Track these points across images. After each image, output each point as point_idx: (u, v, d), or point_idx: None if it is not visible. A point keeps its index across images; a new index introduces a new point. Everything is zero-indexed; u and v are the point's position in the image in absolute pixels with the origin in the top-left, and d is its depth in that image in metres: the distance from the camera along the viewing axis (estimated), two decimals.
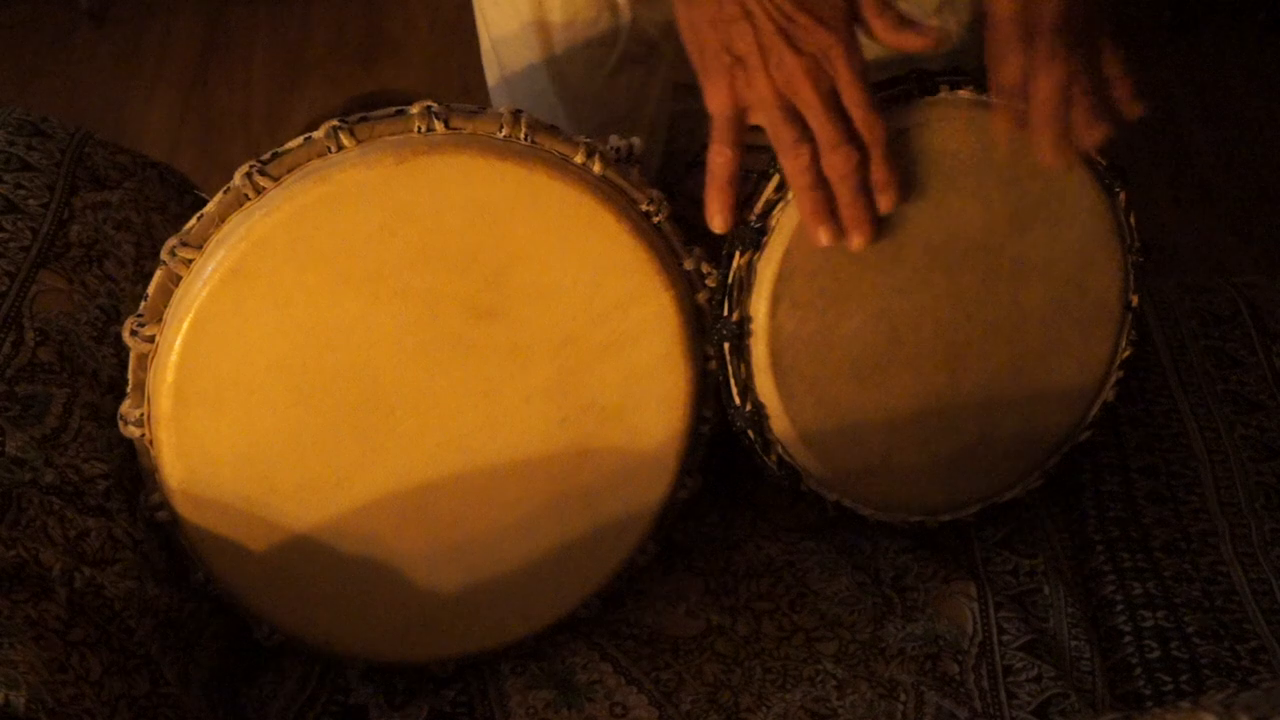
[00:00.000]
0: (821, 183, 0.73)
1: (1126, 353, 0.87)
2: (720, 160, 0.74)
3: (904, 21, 0.74)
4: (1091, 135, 0.76)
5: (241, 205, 0.71)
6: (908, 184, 0.77)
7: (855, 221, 0.74)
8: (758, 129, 0.75)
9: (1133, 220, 0.85)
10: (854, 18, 0.73)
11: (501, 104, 0.76)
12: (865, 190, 0.74)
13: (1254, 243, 1.83)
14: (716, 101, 0.73)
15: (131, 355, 0.72)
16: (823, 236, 0.74)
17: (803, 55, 0.71)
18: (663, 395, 0.78)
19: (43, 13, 2.32)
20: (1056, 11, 0.73)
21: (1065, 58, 0.74)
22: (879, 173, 0.74)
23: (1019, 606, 0.86)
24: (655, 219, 0.76)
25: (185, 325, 0.70)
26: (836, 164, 0.72)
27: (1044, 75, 0.74)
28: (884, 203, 0.75)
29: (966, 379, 0.83)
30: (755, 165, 0.79)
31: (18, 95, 2.09)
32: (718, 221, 0.75)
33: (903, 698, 0.80)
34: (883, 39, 0.74)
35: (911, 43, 0.74)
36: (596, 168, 0.73)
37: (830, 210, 0.74)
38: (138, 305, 0.73)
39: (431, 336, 0.73)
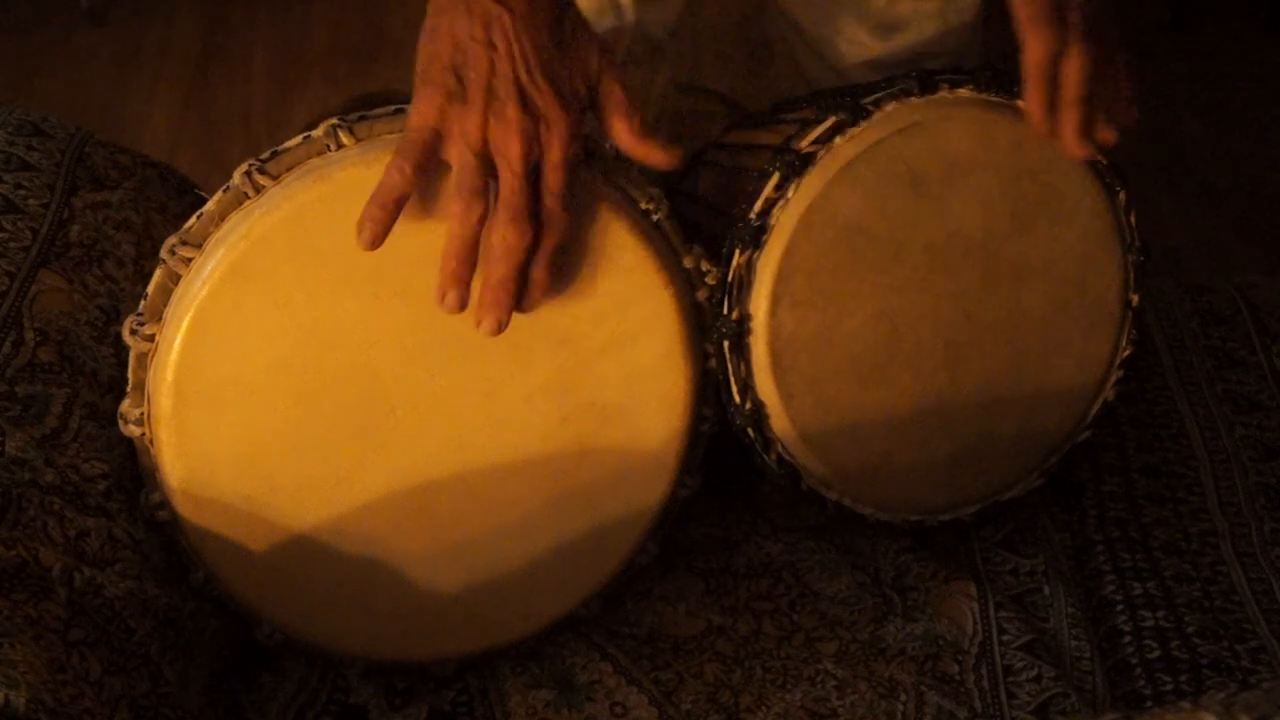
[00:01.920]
0: (474, 248, 0.68)
1: (1127, 352, 0.87)
2: (395, 175, 0.67)
3: (646, 134, 0.71)
4: (1110, 127, 0.75)
5: (241, 204, 0.71)
6: (912, 182, 0.76)
7: (493, 304, 0.69)
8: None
9: (1133, 220, 0.85)
10: (593, 108, 0.70)
11: None
12: (517, 280, 0.69)
13: (1254, 243, 1.84)
14: (420, 117, 0.67)
15: (131, 354, 0.72)
16: (449, 301, 0.68)
17: (526, 114, 0.67)
18: (663, 394, 0.78)
19: (43, 13, 2.32)
20: None
21: (1095, 40, 0.73)
22: (539, 270, 0.69)
23: (1019, 606, 0.86)
24: (655, 217, 0.75)
25: (185, 324, 0.70)
26: (507, 237, 0.67)
27: (1076, 54, 0.73)
28: (527, 303, 0.70)
29: (966, 379, 0.83)
30: (755, 164, 0.80)
31: (18, 95, 2.09)
32: (369, 237, 0.67)
33: (903, 698, 0.80)
34: (620, 143, 0.71)
35: (652, 156, 0.71)
36: (596, 167, 0.73)
37: (467, 279, 0.68)
38: (138, 305, 0.73)
39: (431, 336, 0.73)
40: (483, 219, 0.68)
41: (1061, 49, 0.74)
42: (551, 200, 0.68)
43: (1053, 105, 0.75)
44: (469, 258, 0.68)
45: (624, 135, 0.71)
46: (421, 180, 0.68)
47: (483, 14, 0.67)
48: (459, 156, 0.67)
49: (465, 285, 0.69)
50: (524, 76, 0.67)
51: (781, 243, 0.76)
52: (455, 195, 0.68)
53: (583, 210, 0.71)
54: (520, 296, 0.70)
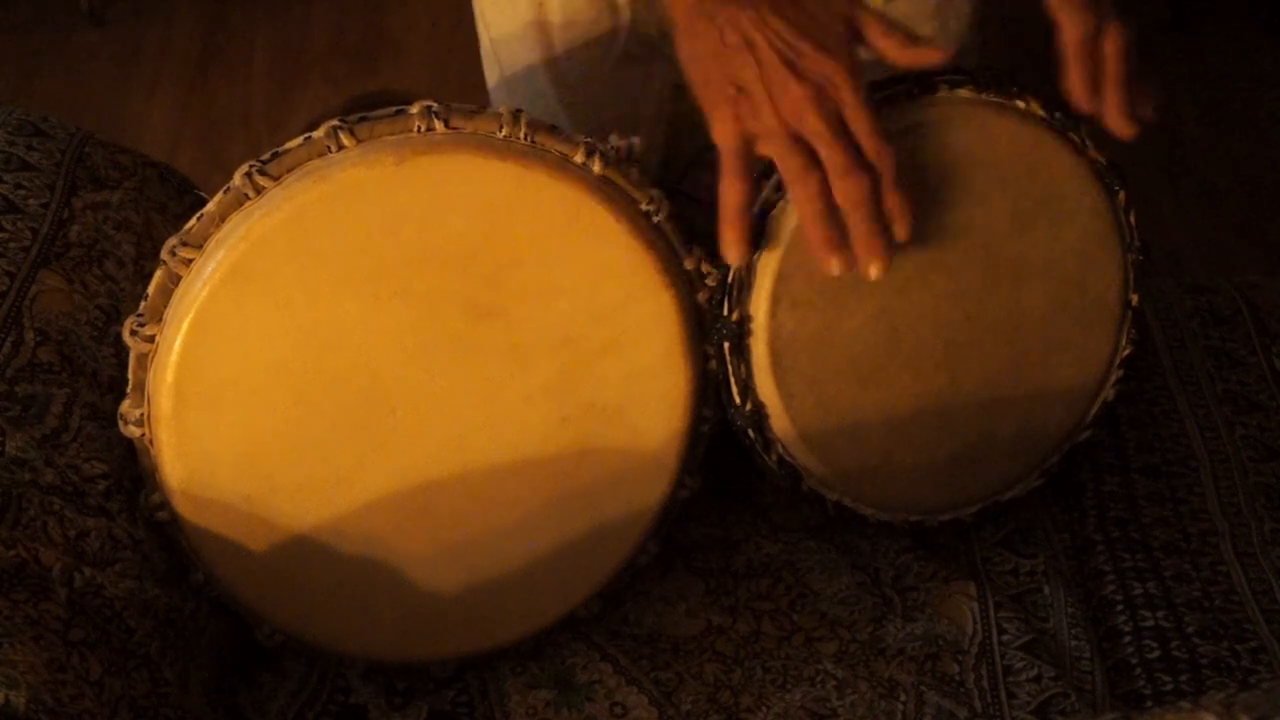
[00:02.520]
0: (832, 212, 0.72)
1: (1127, 351, 0.88)
2: (731, 193, 0.73)
3: (912, 39, 0.73)
4: (1150, 102, 0.76)
5: (241, 205, 0.71)
6: (912, 182, 0.77)
7: (870, 250, 0.72)
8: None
9: (1132, 219, 0.85)
10: (857, 40, 0.72)
11: (501, 104, 0.75)
12: (878, 218, 0.72)
13: (1254, 243, 1.84)
14: (723, 134, 0.72)
15: (131, 355, 0.72)
16: (835, 266, 0.72)
17: (806, 83, 0.70)
18: (663, 395, 0.78)
19: (43, 13, 2.32)
20: None
21: (1123, 19, 0.74)
22: (891, 199, 0.72)
23: (1019, 606, 0.86)
24: (655, 218, 0.76)
25: (185, 325, 0.70)
26: (848, 190, 0.71)
27: (1113, 32, 0.74)
28: (899, 230, 0.73)
29: (966, 379, 0.83)
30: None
31: (18, 95, 2.09)
32: (733, 254, 0.74)
33: (903, 698, 0.80)
34: (893, 59, 0.73)
35: (924, 58, 0.74)
36: (596, 167, 0.73)
37: (841, 240, 0.73)
38: (138, 305, 0.73)
39: (431, 336, 0.73)
40: (822, 189, 0.71)
41: (1098, 28, 0.74)
42: (867, 140, 0.71)
43: (1095, 85, 0.75)
44: (832, 225, 0.72)
45: (894, 52, 0.73)
46: (753, 185, 0.73)
47: (728, 20, 0.71)
48: (772, 149, 0.71)
49: (840, 247, 0.72)
50: (787, 53, 0.70)
51: (782, 244, 0.76)
52: (789, 182, 0.72)
53: None
54: (887, 232, 0.73)
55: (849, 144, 0.71)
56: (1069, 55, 0.76)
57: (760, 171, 0.78)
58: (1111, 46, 0.75)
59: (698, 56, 0.73)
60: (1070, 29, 0.75)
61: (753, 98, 0.71)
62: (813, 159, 0.71)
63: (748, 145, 0.72)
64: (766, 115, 0.71)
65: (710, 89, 0.72)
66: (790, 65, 0.70)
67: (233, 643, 0.79)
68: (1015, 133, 0.79)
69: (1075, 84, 0.76)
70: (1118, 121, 0.76)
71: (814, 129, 0.70)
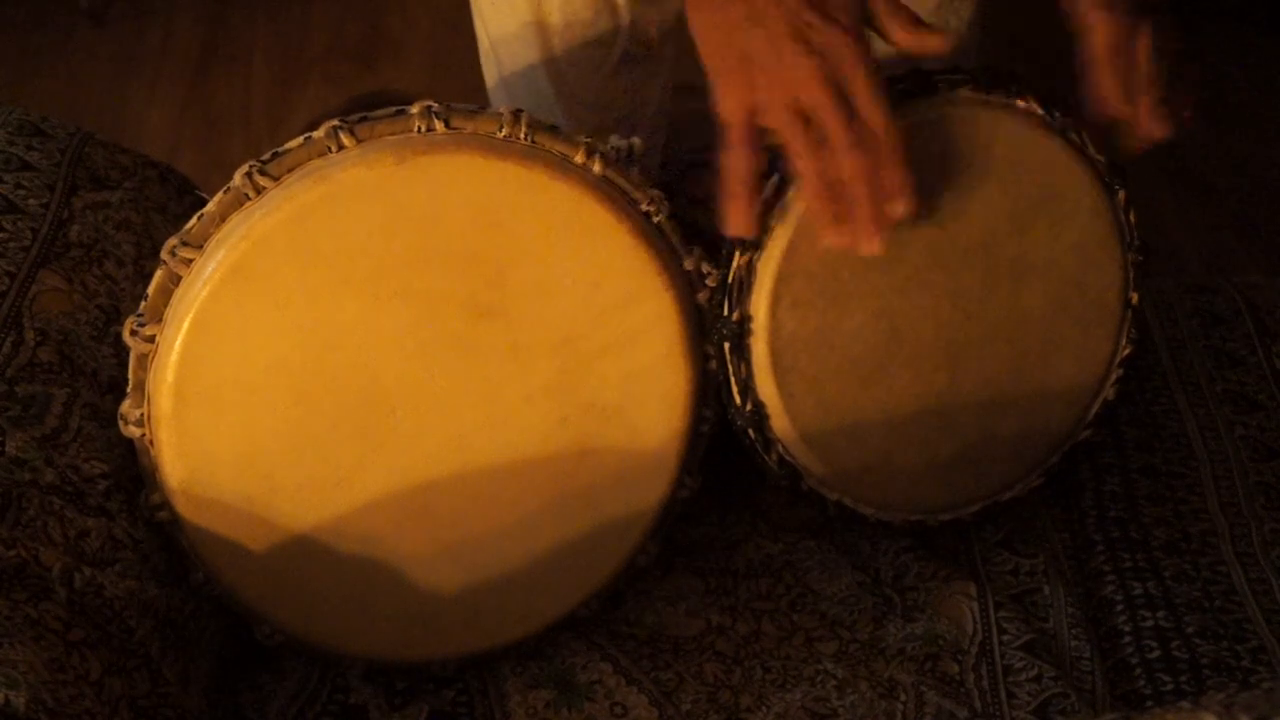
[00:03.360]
0: (835, 185, 0.72)
1: (1127, 351, 0.88)
2: (736, 163, 0.72)
3: (919, 22, 0.73)
4: (1186, 104, 0.76)
5: (241, 205, 0.71)
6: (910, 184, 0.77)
7: (867, 227, 0.72)
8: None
9: (1132, 219, 0.85)
10: (865, 18, 0.72)
11: (501, 104, 0.76)
12: (879, 194, 0.71)
13: (1254, 243, 1.83)
14: (729, 104, 0.71)
15: (131, 355, 0.72)
16: (836, 240, 0.72)
17: (814, 55, 0.69)
18: (663, 395, 0.78)
19: (43, 13, 2.32)
20: None
21: (1155, 20, 0.74)
22: (891, 177, 0.71)
23: (1019, 606, 0.86)
24: (655, 219, 0.76)
25: (185, 325, 0.70)
26: (849, 166, 0.70)
27: (1145, 34, 0.74)
28: (897, 208, 0.72)
29: (966, 378, 0.83)
30: None
31: (18, 95, 2.09)
32: (736, 224, 0.73)
33: (903, 698, 0.80)
34: (898, 41, 0.73)
35: (928, 44, 0.73)
36: (596, 168, 0.73)
37: (842, 214, 0.72)
38: (138, 305, 0.73)
39: (431, 336, 0.73)
40: (825, 162, 0.70)
41: (1133, 27, 0.74)
42: (873, 115, 0.70)
43: (1129, 89, 0.75)
44: (833, 199, 0.71)
45: (899, 33, 0.72)
46: (759, 157, 0.72)
47: None
48: (777, 120, 0.70)
49: (841, 223, 0.72)
50: (795, 23, 0.69)
51: (781, 244, 0.76)
52: (793, 156, 0.71)
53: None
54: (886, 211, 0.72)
55: (853, 119, 0.70)
56: (1100, 58, 0.75)
57: (760, 171, 0.78)
58: (1144, 46, 0.74)
59: (707, 26, 0.72)
60: (1103, 31, 0.74)
61: (759, 68, 0.70)
62: (817, 133, 0.71)
63: (753, 116, 0.71)
64: (773, 86, 0.70)
65: (718, 59, 0.72)
66: (798, 36, 0.69)
67: (233, 643, 0.79)
68: (1015, 132, 0.79)
69: (1107, 88, 0.75)
70: (1155, 124, 0.75)
71: (819, 100, 0.70)
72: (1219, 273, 1.69)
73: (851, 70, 0.70)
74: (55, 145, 0.90)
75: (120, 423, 0.74)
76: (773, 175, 0.77)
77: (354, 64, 2.19)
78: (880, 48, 1.04)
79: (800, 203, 0.76)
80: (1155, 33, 0.74)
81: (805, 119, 0.70)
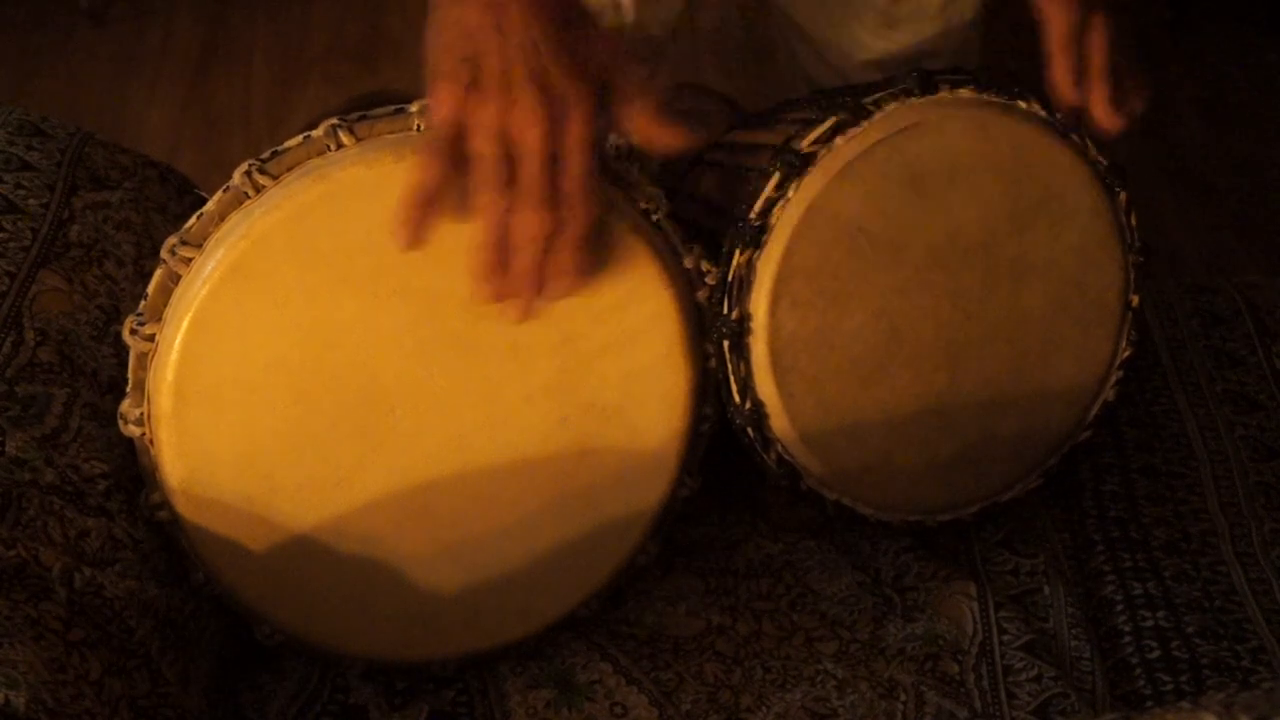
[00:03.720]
0: (506, 238, 0.67)
1: (1127, 352, 0.88)
2: (429, 174, 0.66)
3: (661, 117, 0.68)
4: (1138, 97, 0.75)
5: (241, 204, 0.71)
6: (913, 182, 0.77)
7: (521, 291, 0.68)
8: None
9: (1133, 220, 0.85)
10: (606, 93, 0.68)
11: None
12: (539, 266, 0.68)
13: (1254, 243, 1.83)
14: (441, 113, 0.66)
15: (131, 354, 0.72)
16: (487, 293, 0.68)
17: (542, 101, 0.65)
18: (663, 394, 0.78)
19: (43, 13, 2.32)
20: None
21: (1112, 13, 0.74)
22: (562, 257, 0.68)
23: (1019, 606, 0.86)
24: (655, 217, 0.75)
25: (185, 324, 0.70)
26: (528, 224, 0.66)
27: (1098, 25, 0.74)
28: (553, 289, 0.68)
29: (966, 379, 0.83)
30: (755, 164, 0.80)
31: (18, 95, 2.09)
32: (409, 238, 0.66)
33: (903, 698, 0.80)
34: (636, 128, 0.69)
35: (667, 138, 0.69)
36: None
37: (500, 268, 0.68)
38: (138, 305, 0.73)
39: (431, 335, 0.73)
40: (507, 211, 0.67)
41: (1084, 20, 0.74)
42: (573, 185, 0.67)
43: (1079, 79, 0.75)
44: (502, 249, 0.67)
45: (639, 119, 0.69)
46: (453, 175, 0.66)
47: (491, 2, 0.66)
48: (481, 147, 0.66)
49: (494, 275, 0.68)
50: (538, 61, 0.65)
51: (781, 243, 0.76)
52: (481, 187, 0.66)
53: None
54: (546, 285, 0.69)
55: (551, 180, 0.66)
56: (1054, 47, 0.75)
57: (760, 170, 0.78)
58: (1097, 38, 0.74)
59: (447, 21, 0.67)
60: (1056, 21, 0.75)
61: (484, 89, 0.65)
62: (512, 175, 0.66)
63: (458, 132, 0.66)
64: (490, 113, 0.65)
65: (445, 59, 0.66)
66: (535, 74, 0.65)
67: (233, 643, 0.79)
68: (1016, 133, 0.79)
69: (1059, 77, 0.76)
70: (1103, 115, 0.76)
71: (529, 147, 0.65)
72: (1219, 273, 1.69)
73: (573, 131, 0.66)
74: (55, 145, 0.90)
75: (120, 422, 0.74)
76: (774, 174, 0.77)
77: (354, 64, 2.18)
78: (880, 47, 1.04)
79: (801, 201, 0.76)
80: (1109, 26, 0.74)
81: (507, 159, 0.66)
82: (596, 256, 0.71)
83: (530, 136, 0.65)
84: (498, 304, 0.69)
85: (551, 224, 0.67)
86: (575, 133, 0.66)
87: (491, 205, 0.66)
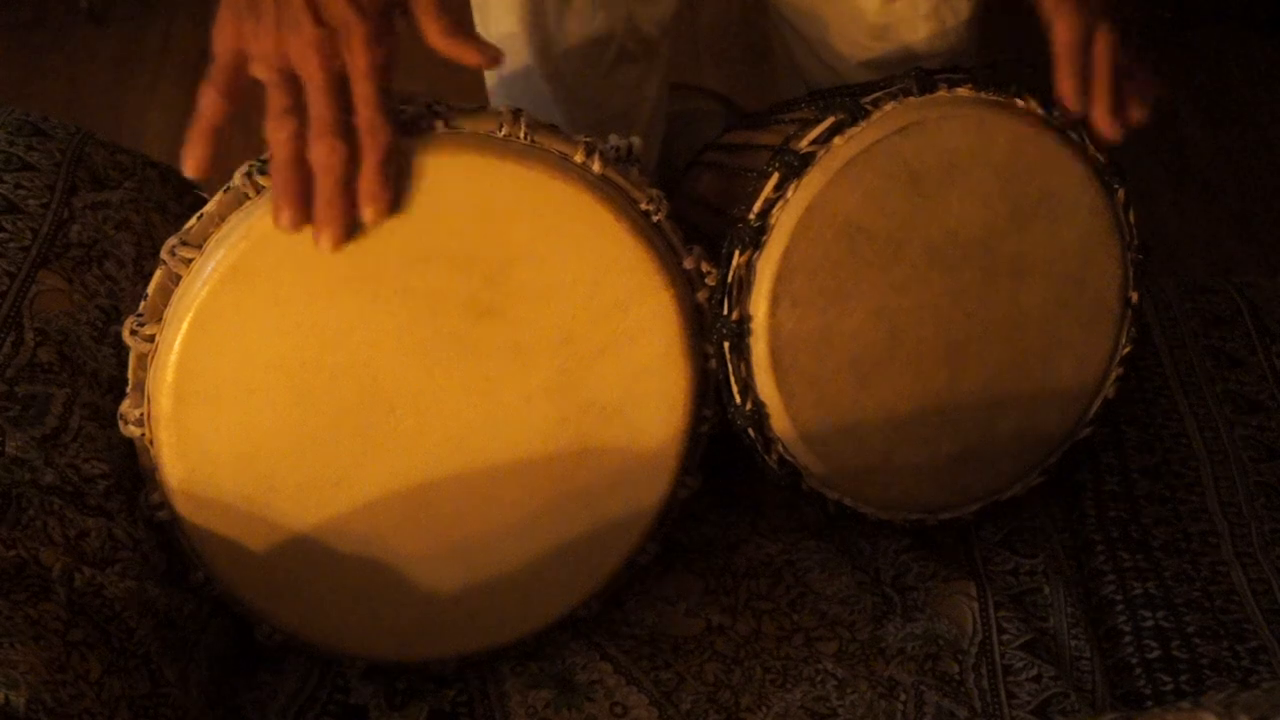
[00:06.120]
0: (302, 162, 0.67)
1: (1127, 350, 0.88)
2: (206, 104, 0.67)
3: (459, 31, 0.69)
4: (1141, 106, 0.76)
5: (241, 204, 0.71)
6: (911, 181, 0.77)
7: (324, 219, 0.67)
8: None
9: (1132, 218, 0.85)
10: (400, 10, 0.68)
11: (500, 103, 0.75)
12: (346, 190, 0.67)
13: (1254, 243, 1.83)
14: (220, 43, 0.67)
15: (131, 355, 0.72)
16: (283, 219, 0.67)
17: (320, 26, 0.65)
18: (663, 394, 0.78)
19: (43, 13, 2.32)
20: None
21: (1117, 22, 0.74)
22: (368, 179, 0.67)
23: (1019, 606, 0.86)
24: (654, 218, 0.75)
25: (185, 325, 0.70)
26: (319, 153, 0.66)
27: (1103, 35, 0.75)
28: (367, 213, 0.68)
29: (966, 377, 0.83)
30: (754, 165, 0.80)
31: (18, 95, 2.09)
32: (189, 166, 0.68)
33: (903, 697, 0.80)
34: (433, 44, 0.69)
35: (466, 55, 0.69)
36: (596, 167, 0.73)
37: (304, 194, 0.67)
38: (138, 305, 0.73)
39: (431, 336, 0.73)
40: (295, 136, 0.67)
41: (1090, 30, 0.75)
42: (366, 110, 0.67)
43: (1084, 87, 0.76)
44: (292, 176, 0.67)
45: (435, 36, 0.69)
46: (238, 103, 0.67)
47: None
48: (262, 75, 0.66)
49: (296, 203, 0.67)
50: None
51: (781, 243, 0.76)
52: (270, 117, 0.67)
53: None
54: (353, 208, 0.68)
55: (340, 105, 0.66)
56: (1060, 56, 0.76)
57: (759, 171, 0.78)
58: (1102, 49, 0.75)
59: None
60: (1063, 30, 0.76)
61: (260, 18, 0.66)
62: (299, 101, 0.66)
63: (239, 60, 0.67)
64: (267, 42, 0.66)
65: None
66: (311, 1, 0.65)
67: (233, 643, 0.79)
68: (1015, 131, 0.79)
69: (1065, 87, 0.77)
70: (1105, 125, 0.77)
71: (310, 75, 0.66)
72: (1219, 273, 1.69)
73: (356, 57, 0.66)
74: (55, 145, 0.90)
75: (120, 422, 0.74)
76: (773, 174, 0.77)
77: None
78: (877, 48, 1.04)
79: (800, 201, 0.76)
80: (1115, 37, 0.75)
81: (292, 86, 0.66)
82: (402, 183, 0.70)
83: (309, 64, 0.66)
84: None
85: (344, 151, 0.67)
86: (358, 60, 0.66)
87: (275, 132, 0.67)
